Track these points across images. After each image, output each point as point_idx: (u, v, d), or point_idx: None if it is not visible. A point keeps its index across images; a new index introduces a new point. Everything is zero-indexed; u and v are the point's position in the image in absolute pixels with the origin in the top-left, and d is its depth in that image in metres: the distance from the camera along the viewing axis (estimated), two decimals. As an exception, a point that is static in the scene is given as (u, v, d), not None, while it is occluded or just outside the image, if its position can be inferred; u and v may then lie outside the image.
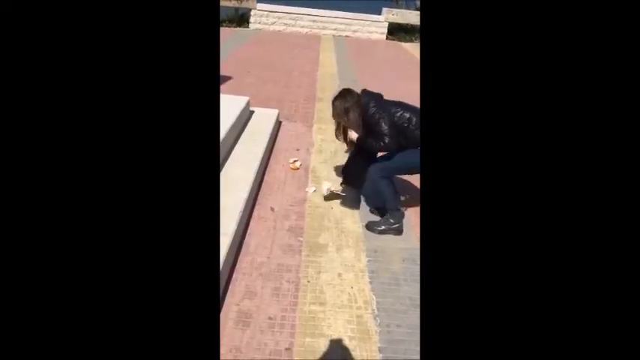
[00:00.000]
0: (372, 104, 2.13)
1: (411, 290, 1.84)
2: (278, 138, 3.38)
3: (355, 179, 2.38)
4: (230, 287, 1.77)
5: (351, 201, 2.45)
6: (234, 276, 1.83)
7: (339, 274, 1.91)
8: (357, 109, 2.15)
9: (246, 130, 3.12)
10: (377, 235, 2.22)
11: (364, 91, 2.26)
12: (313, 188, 2.62)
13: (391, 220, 2.24)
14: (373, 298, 1.79)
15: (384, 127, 2.06)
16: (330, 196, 2.44)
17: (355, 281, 1.87)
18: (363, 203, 2.48)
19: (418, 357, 1.51)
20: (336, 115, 2.24)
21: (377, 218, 2.32)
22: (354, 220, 2.35)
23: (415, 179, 2.67)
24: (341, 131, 2.32)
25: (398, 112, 2.12)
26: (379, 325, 1.64)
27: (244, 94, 3.47)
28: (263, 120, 3.34)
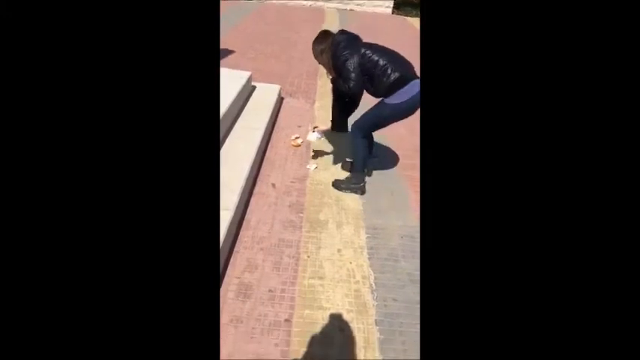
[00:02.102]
0: (341, 45, 2.08)
1: (409, 266, 1.87)
2: (280, 114, 3.36)
3: (339, 124, 2.50)
4: (231, 260, 1.80)
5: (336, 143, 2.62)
6: (235, 249, 1.87)
7: (339, 250, 1.94)
8: (328, 48, 2.13)
9: (247, 105, 3.09)
10: (376, 213, 2.24)
11: (341, 30, 2.22)
12: (314, 165, 2.62)
13: (353, 180, 2.38)
14: (371, 273, 1.82)
15: (349, 69, 2.02)
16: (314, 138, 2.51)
17: (354, 257, 1.91)
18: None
19: (414, 330, 1.55)
20: (314, 57, 2.24)
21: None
22: (354, 197, 2.37)
23: (398, 146, 2.66)
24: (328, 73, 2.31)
25: (368, 54, 2.04)
26: (376, 299, 1.69)
27: (246, 69, 3.43)
28: (265, 96, 3.31)
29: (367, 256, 1.93)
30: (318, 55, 2.20)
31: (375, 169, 2.64)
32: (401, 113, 2.10)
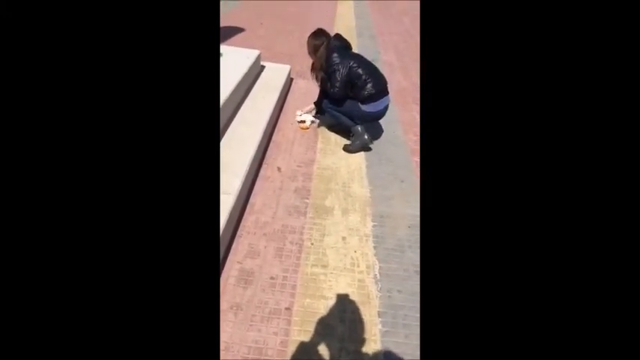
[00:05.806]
0: (335, 53, 2.48)
1: (415, 257, 1.82)
2: (289, 95, 3.27)
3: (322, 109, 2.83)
4: (233, 245, 1.77)
5: (325, 123, 2.89)
6: (237, 234, 1.84)
7: (344, 238, 1.89)
8: (324, 50, 2.52)
9: (255, 85, 3.01)
10: (384, 200, 2.18)
11: (337, 35, 2.62)
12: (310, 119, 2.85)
13: (356, 137, 2.57)
14: (376, 263, 1.77)
15: (337, 77, 2.45)
16: (308, 124, 2.87)
17: (359, 245, 1.86)
18: (376, 172, 2.43)
19: (417, 323, 1.51)
20: (308, 51, 2.61)
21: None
22: (361, 184, 2.30)
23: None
24: (315, 70, 2.64)
25: (354, 67, 2.44)
26: (380, 289, 1.64)
27: (255, 47, 3.33)
28: (274, 76, 3.22)
29: (373, 245, 1.87)
30: (311, 49, 2.57)
31: (384, 155, 2.56)
32: (368, 118, 2.58)
